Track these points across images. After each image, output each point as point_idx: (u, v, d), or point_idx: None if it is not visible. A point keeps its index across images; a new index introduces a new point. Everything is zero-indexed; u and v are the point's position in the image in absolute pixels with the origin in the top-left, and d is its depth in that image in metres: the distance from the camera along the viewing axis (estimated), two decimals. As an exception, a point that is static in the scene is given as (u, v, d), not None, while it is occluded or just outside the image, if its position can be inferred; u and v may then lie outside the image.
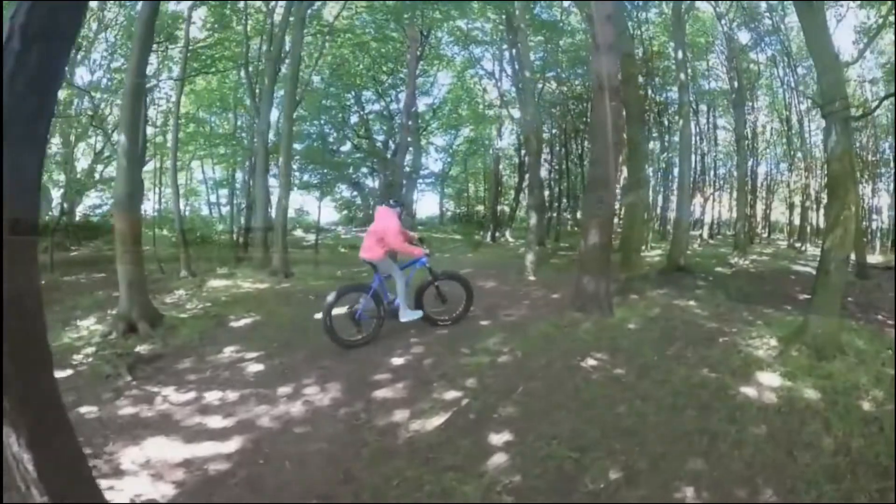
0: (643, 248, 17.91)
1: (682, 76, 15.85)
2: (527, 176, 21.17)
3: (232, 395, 5.52)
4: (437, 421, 4.85)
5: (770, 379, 5.40)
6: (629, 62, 11.56)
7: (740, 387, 5.21)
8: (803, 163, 28.58)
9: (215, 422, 4.95)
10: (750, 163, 31.39)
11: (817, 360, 5.72)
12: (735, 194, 30.82)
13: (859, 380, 5.25)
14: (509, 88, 24.42)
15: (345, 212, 34.78)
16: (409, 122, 22.09)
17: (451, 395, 5.39)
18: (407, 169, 24.13)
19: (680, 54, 15.19)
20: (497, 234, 27.18)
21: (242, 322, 8.44)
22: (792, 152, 31.35)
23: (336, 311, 6.92)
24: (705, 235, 31.42)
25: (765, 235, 36.77)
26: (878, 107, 11.86)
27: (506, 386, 5.50)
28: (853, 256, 12.22)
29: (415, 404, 5.21)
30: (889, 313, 9.72)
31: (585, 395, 5.21)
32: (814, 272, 7.46)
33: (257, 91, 17.43)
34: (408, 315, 7.27)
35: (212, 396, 5.52)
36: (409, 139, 22.55)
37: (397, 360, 6.51)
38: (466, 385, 5.59)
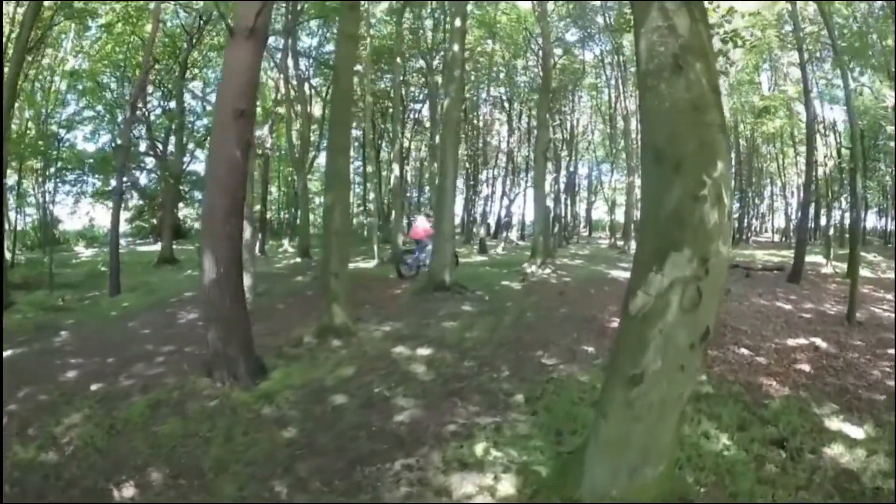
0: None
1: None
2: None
3: None
4: None
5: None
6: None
7: None
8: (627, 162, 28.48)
9: None
10: (567, 162, 31.72)
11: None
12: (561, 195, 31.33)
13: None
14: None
15: (137, 222, 31.17)
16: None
17: None
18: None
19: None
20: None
21: None
22: (614, 151, 31.72)
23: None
24: (514, 237, 30.90)
25: (585, 234, 37.50)
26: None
27: None
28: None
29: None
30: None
31: None
32: None
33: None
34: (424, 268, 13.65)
35: None
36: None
37: None
38: None
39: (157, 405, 5.47)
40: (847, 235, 21.43)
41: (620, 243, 26.87)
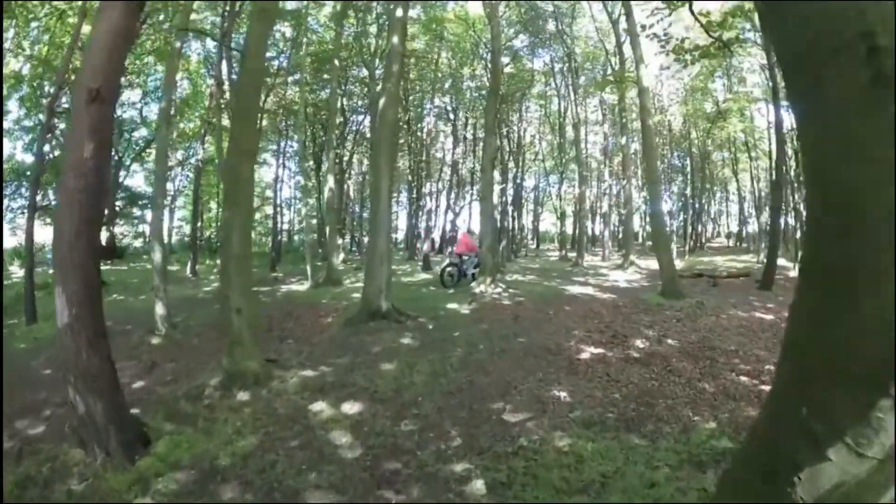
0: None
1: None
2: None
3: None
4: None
5: None
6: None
7: None
8: (577, 172, 27.54)
9: None
10: (514, 173, 30.79)
11: None
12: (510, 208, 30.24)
13: None
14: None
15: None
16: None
17: None
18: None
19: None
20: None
21: None
22: (564, 161, 30.99)
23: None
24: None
25: (533, 247, 36.70)
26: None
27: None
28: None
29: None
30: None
31: None
32: (595, 292, 7.75)
33: None
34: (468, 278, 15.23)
35: None
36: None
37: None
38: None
39: (25, 483, 4.32)
40: (797, 238, 20.75)
41: (572, 255, 25.79)
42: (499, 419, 5.47)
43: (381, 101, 11.08)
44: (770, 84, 16.00)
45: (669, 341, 8.29)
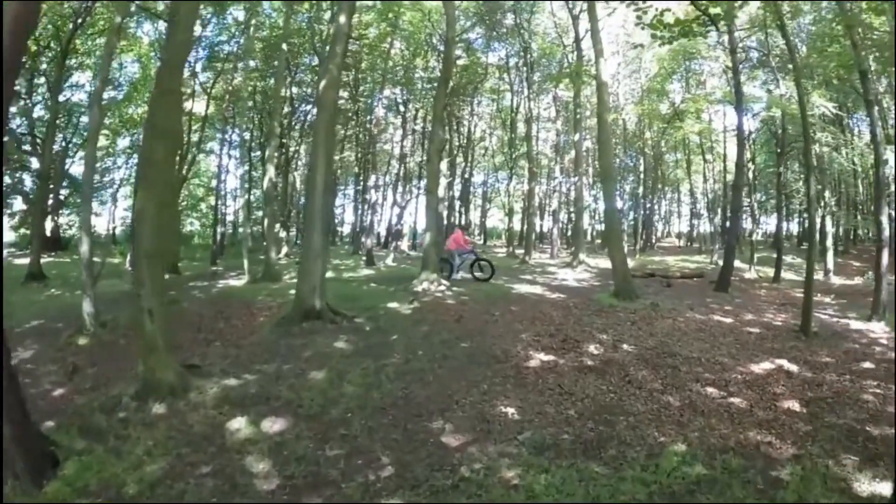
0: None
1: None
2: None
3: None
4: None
5: None
6: None
7: None
8: (527, 169, 27.14)
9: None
10: (463, 168, 30.20)
11: None
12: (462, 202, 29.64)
13: None
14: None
15: (22, 230, 26.61)
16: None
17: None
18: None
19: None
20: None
21: None
22: (514, 157, 30.54)
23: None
24: (405, 248, 29.01)
25: (480, 243, 36.35)
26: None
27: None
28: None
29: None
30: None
31: None
32: (544, 291, 8.14)
33: None
34: (456, 276, 14.42)
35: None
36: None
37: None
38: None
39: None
40: (752, 239, 20.84)
41: (520, 252, 25.21)
42: (437, 442, 4.73)
43: (322, 84, 10.11)
44: (733, 88, 15.71)
45: (625, 346, 7.64)
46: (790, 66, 17.65)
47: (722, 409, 5.39)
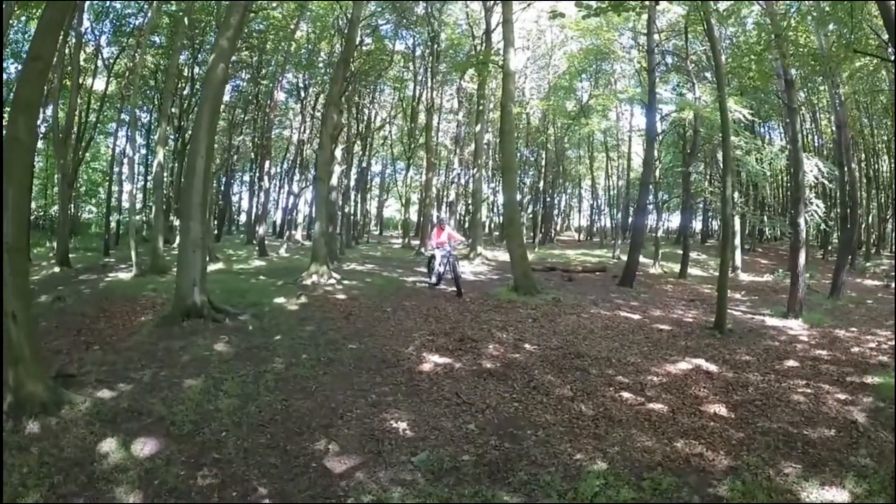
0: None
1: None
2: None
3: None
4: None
5: None
6: None
7: None
8: (425, 159, 26.92)
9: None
10: (360, 157, 29.26)
11: None
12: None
13: None
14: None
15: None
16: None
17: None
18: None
19: None
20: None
21: None
22: (412, 147, 29.93)
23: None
24: (299, 237, 28.22)
25: (377, 233, 35.68)
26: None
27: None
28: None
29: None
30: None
31: None
32: (446, 287, 8.61)
33: None
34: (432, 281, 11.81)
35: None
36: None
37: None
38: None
39: None
40: (657, 235, 21.35)
41: (415, 243, 25.00)
42: (320, 468, 3.96)
43: (212, 58, 8.85)
44: (647, 88, 15.78)
45: (528, 346, 7.05)
46: (707, 74, 18.40)
47: (641, 417, 4.84)
